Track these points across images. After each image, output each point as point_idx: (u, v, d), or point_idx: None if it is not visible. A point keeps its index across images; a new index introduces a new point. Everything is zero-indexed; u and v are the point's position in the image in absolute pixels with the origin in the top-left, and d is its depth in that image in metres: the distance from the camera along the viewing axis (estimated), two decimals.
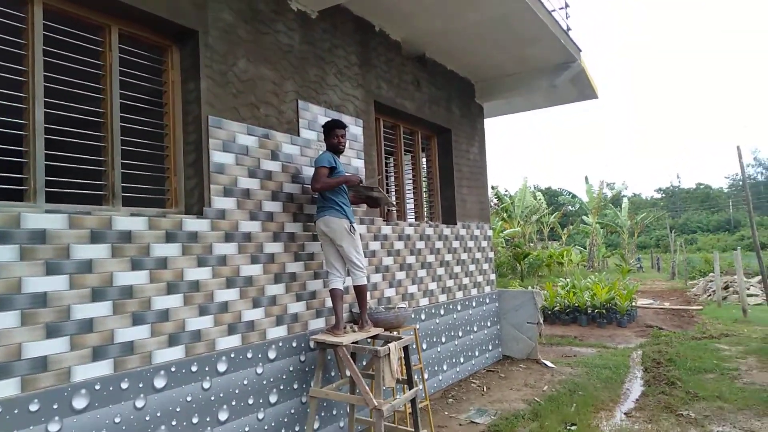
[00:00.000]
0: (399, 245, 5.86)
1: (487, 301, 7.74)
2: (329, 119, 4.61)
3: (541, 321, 8.04)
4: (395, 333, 4.60)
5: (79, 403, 2.86)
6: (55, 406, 2.76)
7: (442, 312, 6.52)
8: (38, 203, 3.01)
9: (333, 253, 4.32)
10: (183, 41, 3.81)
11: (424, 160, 7.25)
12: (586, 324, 11.17)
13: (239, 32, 4.11)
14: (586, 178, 35.62)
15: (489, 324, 7.71)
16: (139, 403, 3.15)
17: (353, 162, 5.25)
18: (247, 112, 4.11)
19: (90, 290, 2.99)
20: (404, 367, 4.40)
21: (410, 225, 6.14)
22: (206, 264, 3.66)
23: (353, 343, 4.13)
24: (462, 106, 7.62)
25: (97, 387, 2.95)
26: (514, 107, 9.26)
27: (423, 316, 6.12)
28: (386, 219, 5.91)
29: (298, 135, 4.59)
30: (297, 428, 4.21)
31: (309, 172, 4.62)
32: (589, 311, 11.31)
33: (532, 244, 27.02)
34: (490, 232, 8.12)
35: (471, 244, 7.50)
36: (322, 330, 4.45)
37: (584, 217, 32.14)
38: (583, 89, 8.39)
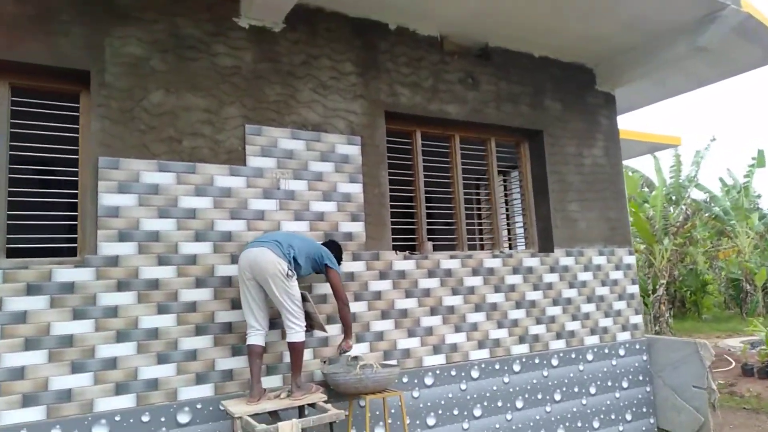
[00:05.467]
0: (429, 283, 4.71)
1: (621, 352, 5.72)
2: (305, 142, 4.19)
3: (714, 386, 5.57)
4: (363, 399, 3.60)
5: None
6: None
7: (516, 368, 5.01)
8: None
9: (254, 298, 3.60)
10: (87, 83, 3.70)
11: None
12: None
13: (152, 64, 3.83)
14: None
15: (626, 384, 5.67)
16: None
17: (341, 188, 4.43)
18: (161, 148, 3.78)
19: None
20: None
21: (451, 257, 4.90)
22: (86, 316, 3.40)
23: (260, 414, 3.34)
24: (565, 98, 5.93)
25: None
26: (671, 88, 6.86)
27: (476, 374, 4.76)
28: (417, 251, 4.85)
29: (244, 164, 4.05)
30: None
31: (256, 205, 4.03)
32: None
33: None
34: (629, 259, 6.05)
35: (586, 276, 5.67)
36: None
37: None
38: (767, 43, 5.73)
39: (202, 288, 3.77)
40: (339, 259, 4.04)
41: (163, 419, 3.50)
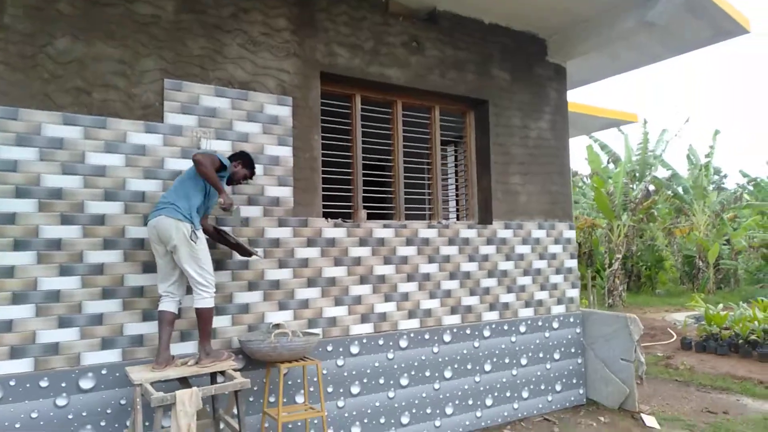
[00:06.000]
0: (360, 252, 4.62)
1: (555, 325, 5.77)
2: (230, 101, 3.98)
3: (642, 359, 5.69)
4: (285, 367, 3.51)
5: None
6: None
7: (446, 338, 5.00)
8: None
9: (165, 264, 3.46)
10: None
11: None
12: None
13: (59, 7, 3.55)
14: None
15: (558, 356, 5.74)
16: None
17: (269, 150, 4.26)
18: (66, 99, 3.53)
19: None
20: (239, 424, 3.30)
21: (385, 227, 4.80)
22: None
23: (162, 382, 3.23)
24: (514, 68, 5.79)
25: None
26: (624, 62, 6.79)
27: (404, 343, 4.74)
28: (351, 219, 4.74)
29: (162, 121, 3.84)
30: None
31: (174, 164, 3.84)
32: None
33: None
34: (569, 234, 6.06)
35: (524, 249, 5.65)
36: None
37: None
38: (717, 23, 5.66)
39: (111, 249, 3.59)
40: (250, 168, 3.86)
41: (63, 384, 3.37)
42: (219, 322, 3.91)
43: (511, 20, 5.73)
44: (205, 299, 3.38)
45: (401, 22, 5.07)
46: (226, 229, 3.89)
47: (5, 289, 3.27)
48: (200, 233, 3.38)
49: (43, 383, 3.31)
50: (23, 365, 3.29)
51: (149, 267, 3.66)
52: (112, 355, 3.55)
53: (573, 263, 6.03)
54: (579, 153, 48.58)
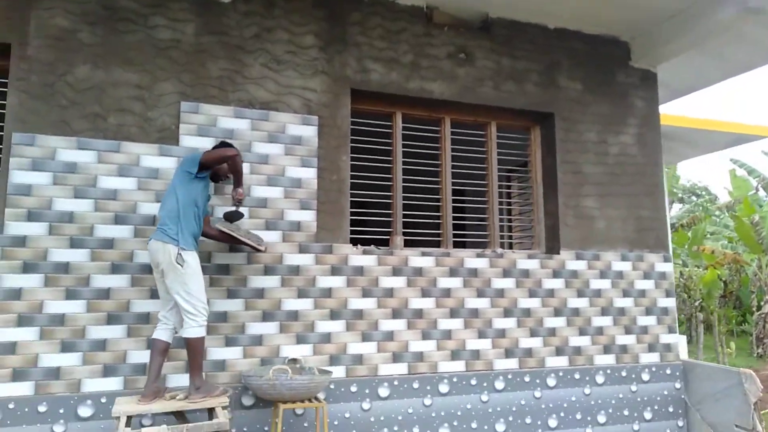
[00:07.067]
0: (393, 282, 4.17)
1: (645, 377, 4.78)
2: (250, 121, 3.90)
3: (760, 428, 4.49)
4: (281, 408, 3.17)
5: None
6: None
7: (499, 385, 4.30)
8: None
9: (162, 289, 3.29)
10: (5, 56, 3.58)
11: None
12: None
13: (81, 36, 3.65)
14: None
15: (649, 415, 4.73)
16: None
17: (290, 172, 4.02)
18: (83, 124, 3.59)
19: None
20: None
21: (423, 254, 4.31)
22: None
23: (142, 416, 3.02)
24: (587, 77, 5.08)
25: None
26: (736, 62, 5.66)
27: (445, 388, 4.14)
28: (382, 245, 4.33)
29: (177, 144, 3.77)
30: None
31: None
32: None
33: None
34: (664, 267, 5.06)
35: (601, 284, 4.80)
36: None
37: None
38: None
39: (118, 274, 3.53)
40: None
41: (62, 410, 3.30)
42: (229, 353, 3.67)
43: (582, 23, 5.06)
44: (193, 328, 3.14)
45: (446, 33, 4.67)
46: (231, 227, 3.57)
47: (12, 311, 3.31)
48: (189, 256, 3.16)
49: (42, 408, 3.27)
50: (24, 388, 3.28)
51: (156, 292, 3.53)
52: (113, 383, 3.43)
53: (669, 302, 5.01)
54: (720, 176, 43.49)
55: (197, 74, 3.89)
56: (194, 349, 3.16)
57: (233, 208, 3.53)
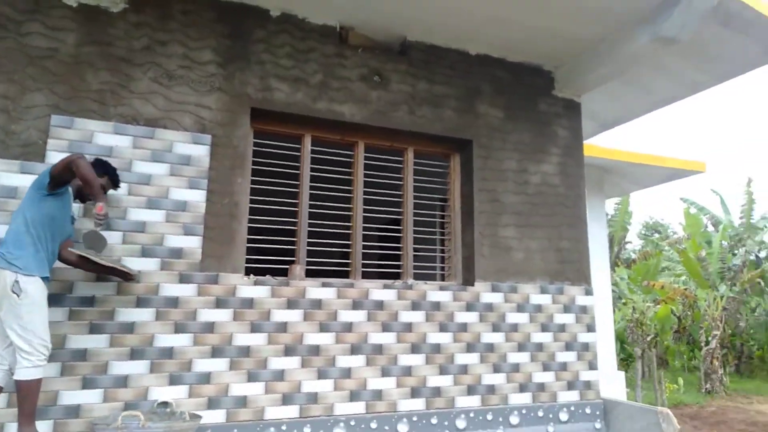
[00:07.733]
0: (287, 316, 3.85)
1: (563, 417, 4.52)
2: (132, 138, 3.58)
3: None
4: None
5: None
6: None
7: (402, 428, 3.98)
8: None
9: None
10: None
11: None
12: None
13: None
14: None
15: None
16: None
17: (174, 194, 3.70)
18: None
19: None
20: None
21: (323, 285, 4.01)
22: None
23: None
24: (509, 104, 4.95)
25: None
26: (659, 95, 5.65)
27: None
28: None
29: (43, 160, 3.43)
30: None
31: None
32: None
33: None
34: (585, 300, 4.87)
35: (518, 317, 4.57)
36: None
37: None
38: (765, 36, 4.51)
39: None
40: (112, 175, 3.30)
41: None
42: (85, 397, 3.27)
43: (506, 51, 4.95)
44: (26, 369, 2.75)
45: (360, 54, 4.48)
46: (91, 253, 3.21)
47: None
48: (30, 284, 2.79)
49: None
50: None
51: None
52: None
53: (590, 338, 4.81)
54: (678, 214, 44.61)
55: (74, 86, 3.58)
56: (25, 393, 2.77)
57: (94, 229, 3.13)
